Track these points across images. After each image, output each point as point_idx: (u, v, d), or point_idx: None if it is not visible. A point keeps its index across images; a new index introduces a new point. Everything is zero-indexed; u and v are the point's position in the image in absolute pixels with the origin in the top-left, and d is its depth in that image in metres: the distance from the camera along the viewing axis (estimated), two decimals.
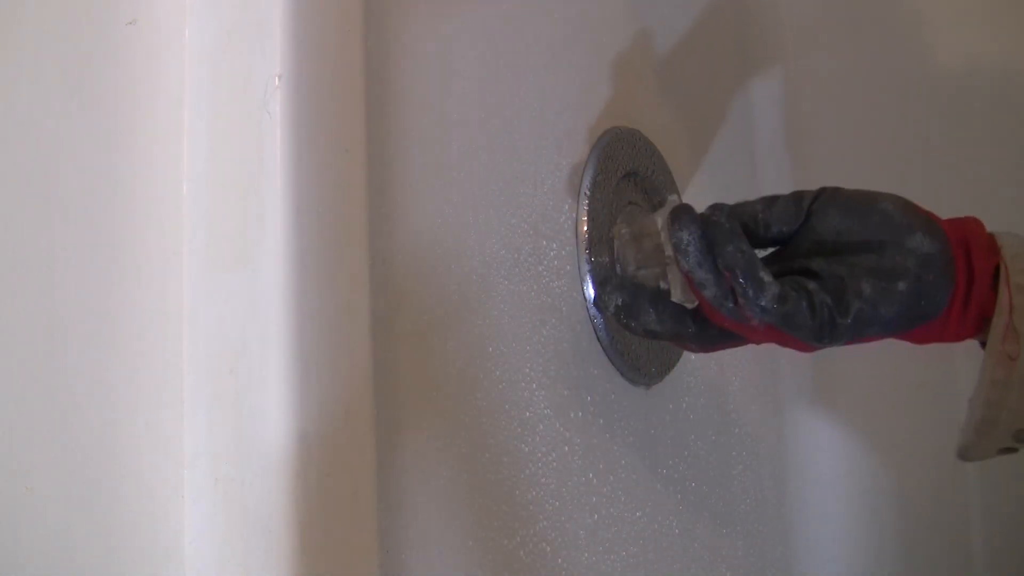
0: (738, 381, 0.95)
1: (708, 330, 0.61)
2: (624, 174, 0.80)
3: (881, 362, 1.13)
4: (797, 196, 0.60)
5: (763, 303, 0.55)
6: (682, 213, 0.58)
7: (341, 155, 0.55)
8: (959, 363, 1.19)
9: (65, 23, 0.53)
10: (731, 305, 0.57)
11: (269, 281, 0.52)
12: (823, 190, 0.60)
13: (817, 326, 0.56)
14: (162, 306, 0.54)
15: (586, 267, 0.75)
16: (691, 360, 0.87)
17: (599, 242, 0.76)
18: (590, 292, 0.75)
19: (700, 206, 0.60)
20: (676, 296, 0.60)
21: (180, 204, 0.55)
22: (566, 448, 0.70)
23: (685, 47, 0.95)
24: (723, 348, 0.64)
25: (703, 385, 0.89)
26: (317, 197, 0.53)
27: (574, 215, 0.75)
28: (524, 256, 0.69)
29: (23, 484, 0.48)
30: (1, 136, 0.51)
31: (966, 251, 0.57)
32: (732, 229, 0.57)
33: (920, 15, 1.20)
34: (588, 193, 0.76)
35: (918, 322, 0.57)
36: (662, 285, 0.63)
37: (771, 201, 0.60)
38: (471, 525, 0.62)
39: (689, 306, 0.60)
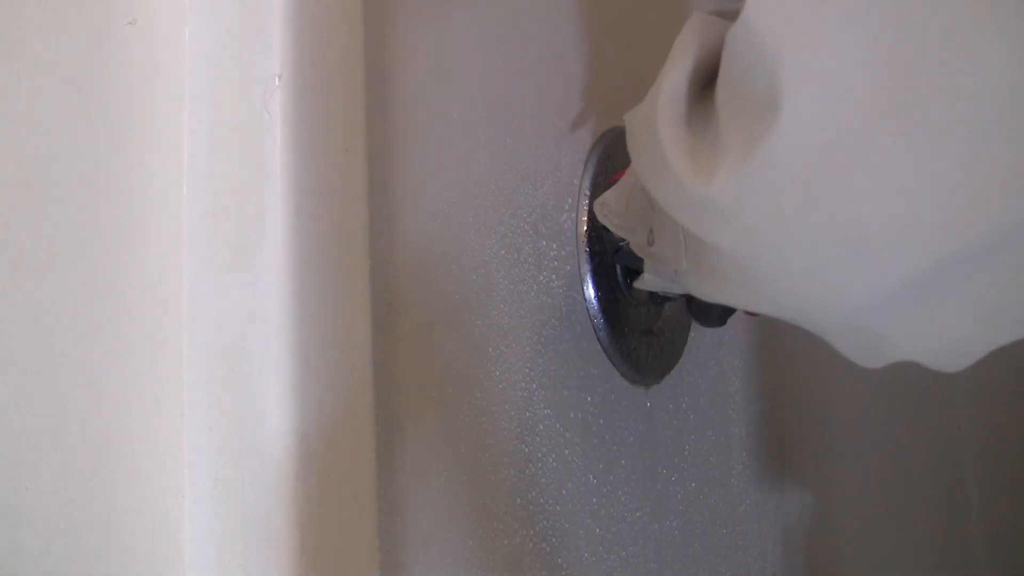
0: (738, 381, 0.95)
1: None
2: None
3: None
4: None
5: None
6: None
7: (341, 155, 0.55)
8: None
9: (65, 23, 0.53)
10: None
11: (269, 281, 0.52)
12: None
13: None
14: (162, 306, 0.54)
15: (586, 267, 0.75)
16: (691, 360, 0.87)
17: (599, 242, 0.76)
18: (590, 292, 0.75)
19: None
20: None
21: (180, 204, 0.55)
22: (566, 449, 0.70)
23: None
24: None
25: (703, 385, 0.89)
26: (317, 197, 0.53)
27: (574, 215, 0.75)
28: (524, 256, 0.69)
29: (23, 484, 0.48)
30: (0, 136, 0.51)
31: None
32: None
33: None
34: (588, 193, 0.76)
35: None
36: None
37: None
38: (471, 525, 0.62)
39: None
